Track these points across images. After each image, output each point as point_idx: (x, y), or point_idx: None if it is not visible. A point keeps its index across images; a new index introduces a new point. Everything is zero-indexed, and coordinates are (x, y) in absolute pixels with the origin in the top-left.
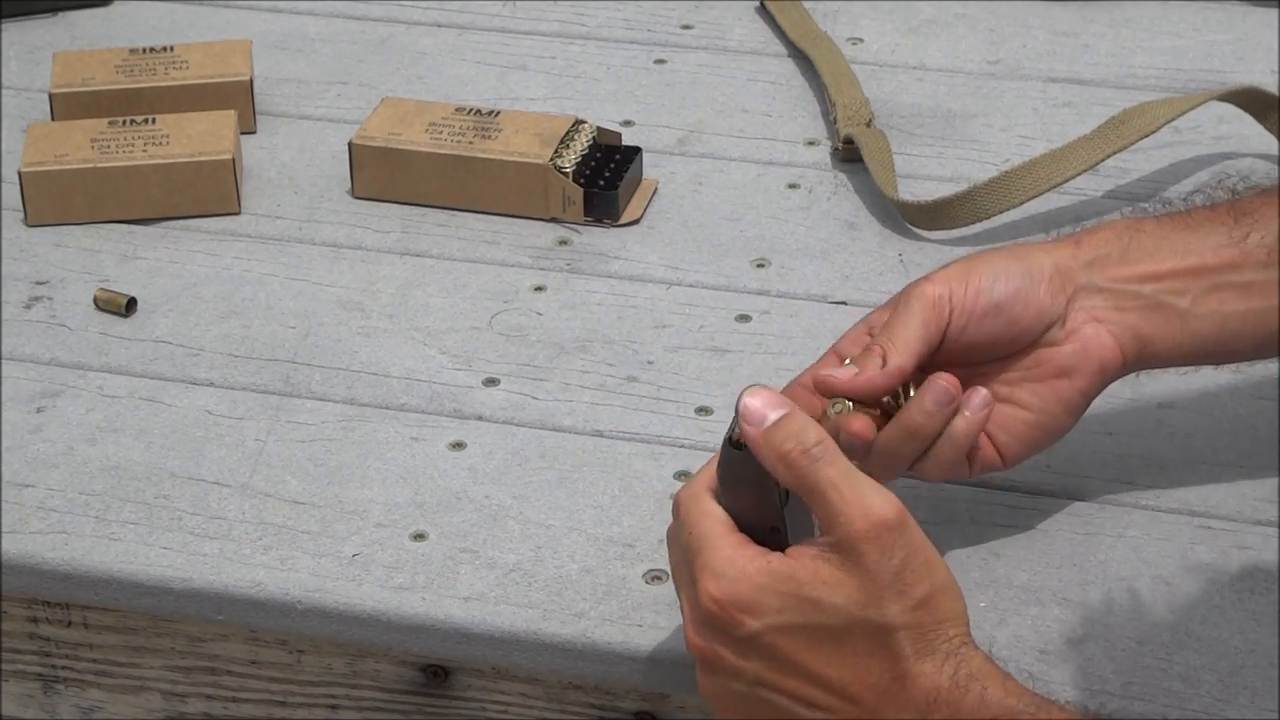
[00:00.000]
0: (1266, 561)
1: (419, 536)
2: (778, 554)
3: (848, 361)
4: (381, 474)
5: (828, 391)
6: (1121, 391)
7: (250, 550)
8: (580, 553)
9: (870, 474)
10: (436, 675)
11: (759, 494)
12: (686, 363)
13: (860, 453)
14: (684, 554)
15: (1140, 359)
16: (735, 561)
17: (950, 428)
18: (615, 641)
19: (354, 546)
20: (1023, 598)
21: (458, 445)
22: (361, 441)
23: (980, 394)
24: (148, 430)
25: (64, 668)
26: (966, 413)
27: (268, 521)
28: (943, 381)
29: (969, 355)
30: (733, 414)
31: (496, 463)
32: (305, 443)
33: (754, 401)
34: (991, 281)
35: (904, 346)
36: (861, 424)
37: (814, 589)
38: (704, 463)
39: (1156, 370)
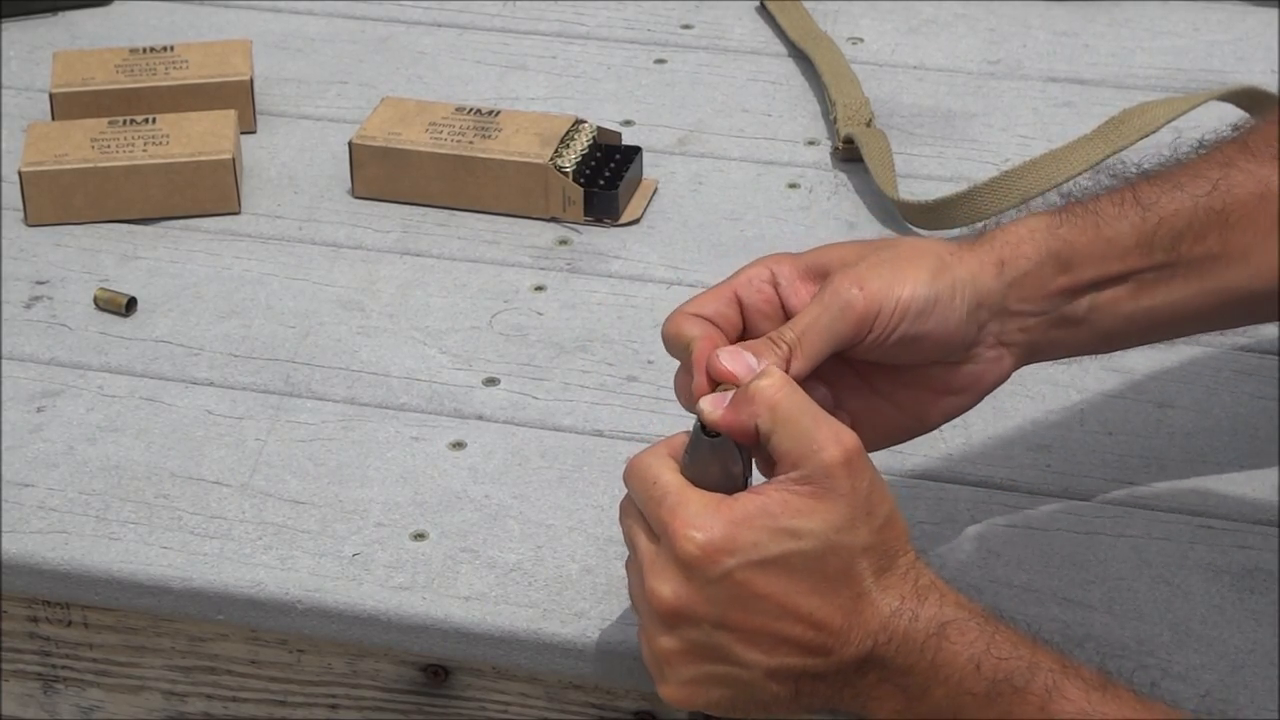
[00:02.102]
0: (1266, 561)
1: (419, 536)
2: (744, 493)
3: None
4: (381, 474)
5: (720, 378)
6: (1122, 391)
7: (250, 550)
8: (580, 552)
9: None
10: (436, 675)
11: (724, 482)
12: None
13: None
14: (645, 509)
15: (1030, 361)
16: (708, 505)
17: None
18: (615, 641)
19: (354, 546)
20: (1023, 598)
21: (458, 445)
22: (361, 441)
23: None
24: (148, 430)
25: (64, 667)
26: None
27: (268, 521)
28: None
29: (868, 356)
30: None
31: (496, 462)
32: (305, 442)
33: (713, 396)
34: (919, 311)
35: (811, 353)
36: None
37: (789, 518)
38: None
39: (1156, 371)
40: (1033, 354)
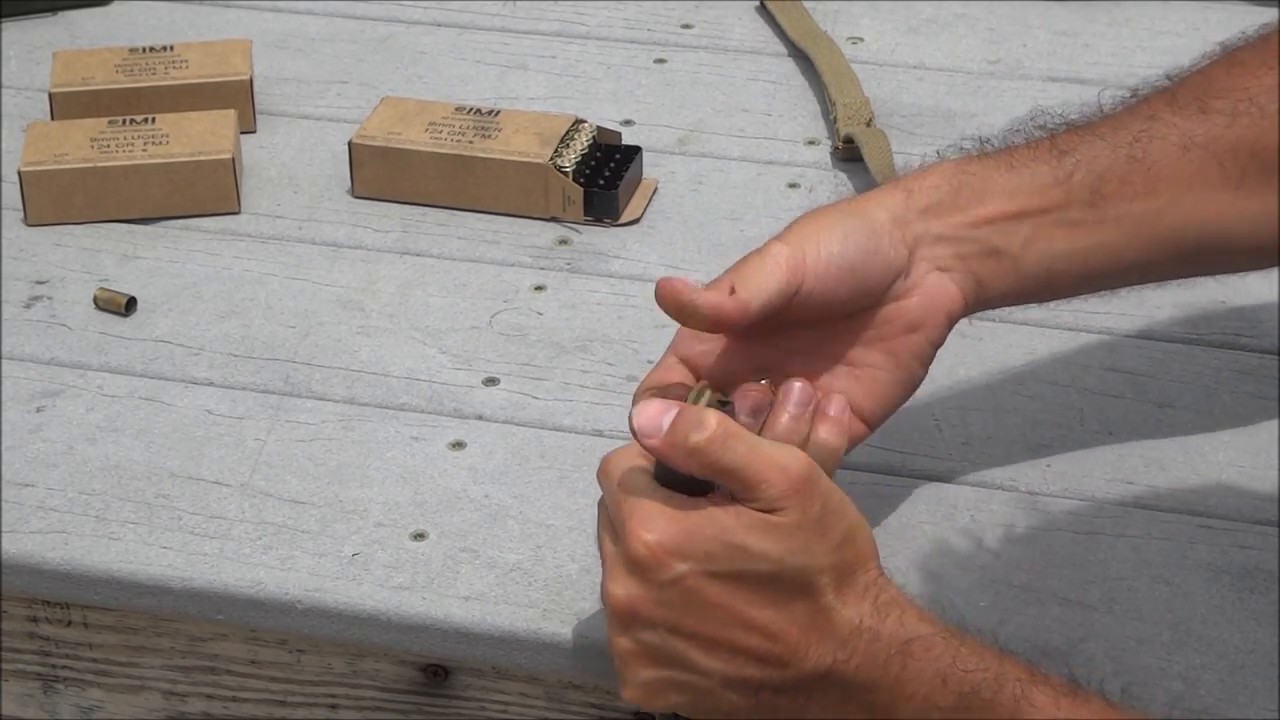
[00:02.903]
0: (1266, 561)
1: (419, 536)
2: (704, 500)
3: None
4: (381, 473)
5: (675, 302)
6: (1122, 391)
7: (250, 550)
8: (580, 552)
9: None
10: (436, 675)
11: (697, 483)
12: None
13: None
14: (609, 512)
15: (978, 302)
16: (664, 509)
17: (820, 437)
18: None
19: (354, 546)
20: (1023, 598)
21: (458, 445)
22: (361, 441)
23: (837, 400)
24: (148, 430)
25: (64, 667)
26: (831, 413)
27: (268, 521)
28: (797, 385)
29: (820, 315)
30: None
31: (496, 462)
32: (305, 442)
33: (643, 418)
34: (842, 243)
35: (755, 287)
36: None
37: (742, 536)
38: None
39: (1156, 371)
40: (980, 288)
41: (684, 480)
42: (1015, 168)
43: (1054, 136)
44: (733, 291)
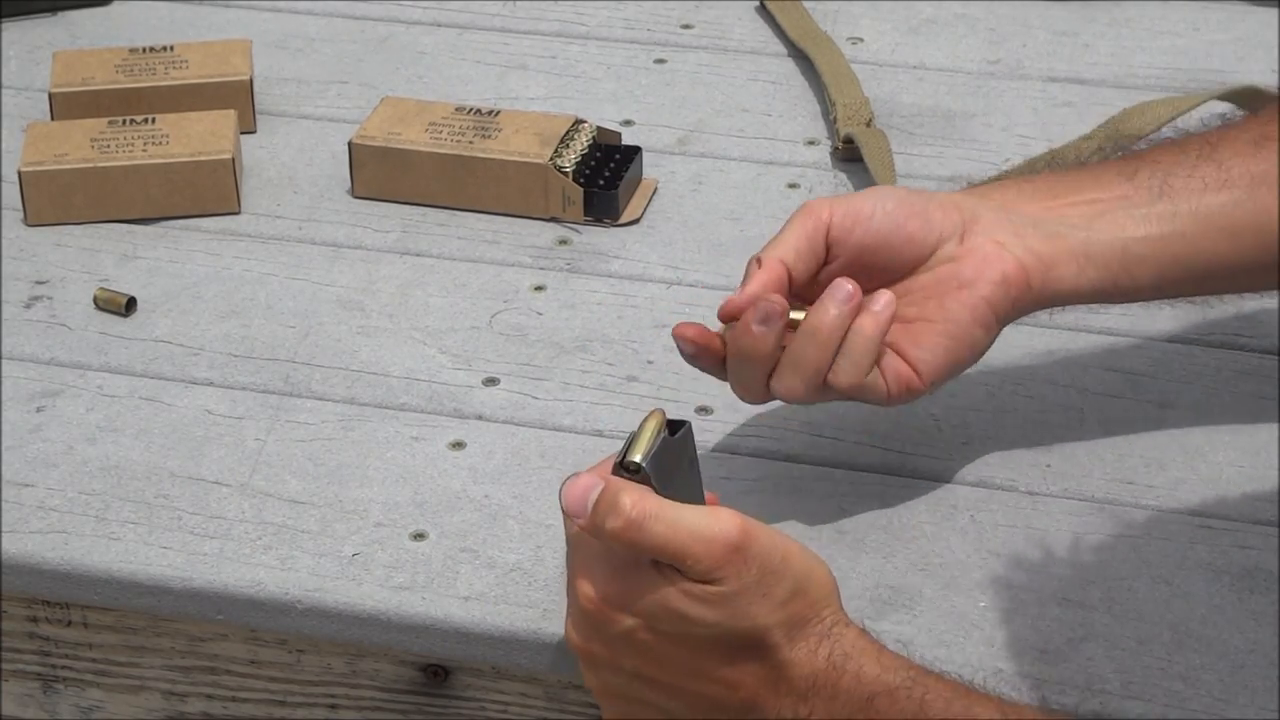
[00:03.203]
0: (1266, 561)
1: (419, 536)
2: (648, 563)
3: None
4: (381, 474)
5: (724, 315)
6: (1122, 391)
7: (250, 550)
8: None
9: (787, 387)
10: (436, 675)
11: (689, 479)
12: (686, 363)
13: (703, 360)
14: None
15: (1045, 284)
16: (607, 560)
17: (857, 324)
18: None
19: (354, 546)
20: (1023, 598)
21: (458, 445)
22: (361, 441)
23: (883, 294)
24: (148, 430)
25: (64, 667)
26: (873, 309)
27: (268, 521)
28: (845, 282)
29: (866, 273)
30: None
31: (496, 462)
32: (305, 442)
33: (570, 497)
34: (877, 195)
35: (781, 246)
36: (693, 330)
37: (682, 603)
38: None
39: (1156, 371)
40: (1043, 264)
41: (681, 490)
42: (1084, 171)
43: (1128, 151)
44: (759, 264)
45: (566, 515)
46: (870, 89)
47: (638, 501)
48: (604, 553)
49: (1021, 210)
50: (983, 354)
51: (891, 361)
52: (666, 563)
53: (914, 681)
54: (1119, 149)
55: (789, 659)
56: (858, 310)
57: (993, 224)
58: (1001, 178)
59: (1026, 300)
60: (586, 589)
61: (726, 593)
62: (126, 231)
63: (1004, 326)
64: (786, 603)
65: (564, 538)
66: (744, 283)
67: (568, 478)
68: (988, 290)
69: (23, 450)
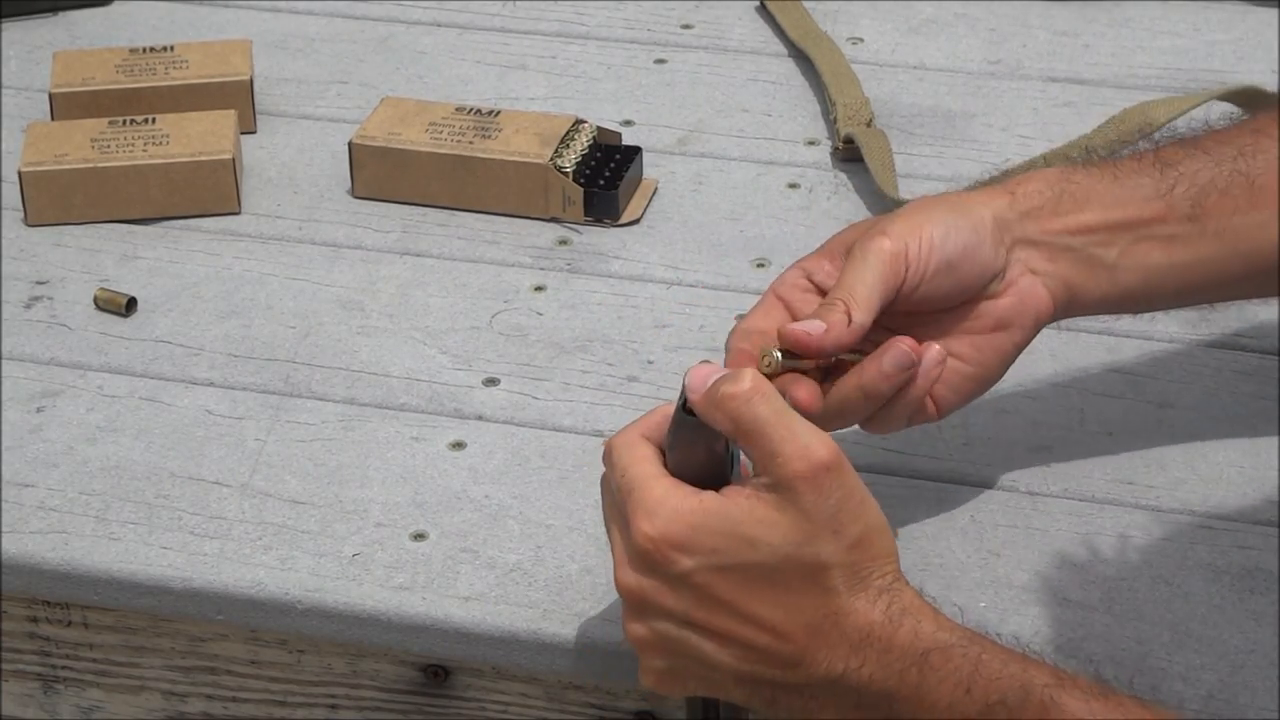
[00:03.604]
0: (1266, 561)
1: (419, 536)
2: (711, 493)
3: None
4: (381, 474)
5: (794, 346)
6: (1122, 391)
7: (250, 550)
8: (580, 553)
9: (828, 430)
10: (436, 675)
11: (708, 460)
12: (686, 363)
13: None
14: (615, 496)
15: (1068, 308)
16: (668, 500)
17: (906, 390)
18: (615, 641)
19: (354, 546)
20: (1023, 598)
21: (458, 445)
22: (361, 441)
23: (934, 351)
24: (148, 430)
25: (64, 667)
26: (927, 371)
27: (268, 521)
28: (904, 346)
29: (915, 308)
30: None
31: (496, 463)
32: (305, 442)
33: (695, 376)
34: (943, 238)
35: (866, 303)
36: (807, 392)
37: (749, 527)
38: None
39: (1156, 371)
40: (1070, 293)
41: (698, 460)
42: (1119, 179)
43: (1159, 149)
44: (850, 320)
45: (688, 390)
46: (870, 89)
47: (758, 378)
48: (668, 490)
49: (1055, 228)
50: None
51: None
52: (756, 453)
53: (970, 641)
54: (1145, 137)
55: (846, 606)
56: (913, 373)
57: (1031, 252)
58: (1037, 172)
59: (1048, 324)
60: (646, 528)
61: (799, 512)
62: (126, 231)
63: None
64: (853, 547)
65: (560, 538)
66: (829, 323)
67: (696, 364)
68: (1020, 335)
69: (23, 450)
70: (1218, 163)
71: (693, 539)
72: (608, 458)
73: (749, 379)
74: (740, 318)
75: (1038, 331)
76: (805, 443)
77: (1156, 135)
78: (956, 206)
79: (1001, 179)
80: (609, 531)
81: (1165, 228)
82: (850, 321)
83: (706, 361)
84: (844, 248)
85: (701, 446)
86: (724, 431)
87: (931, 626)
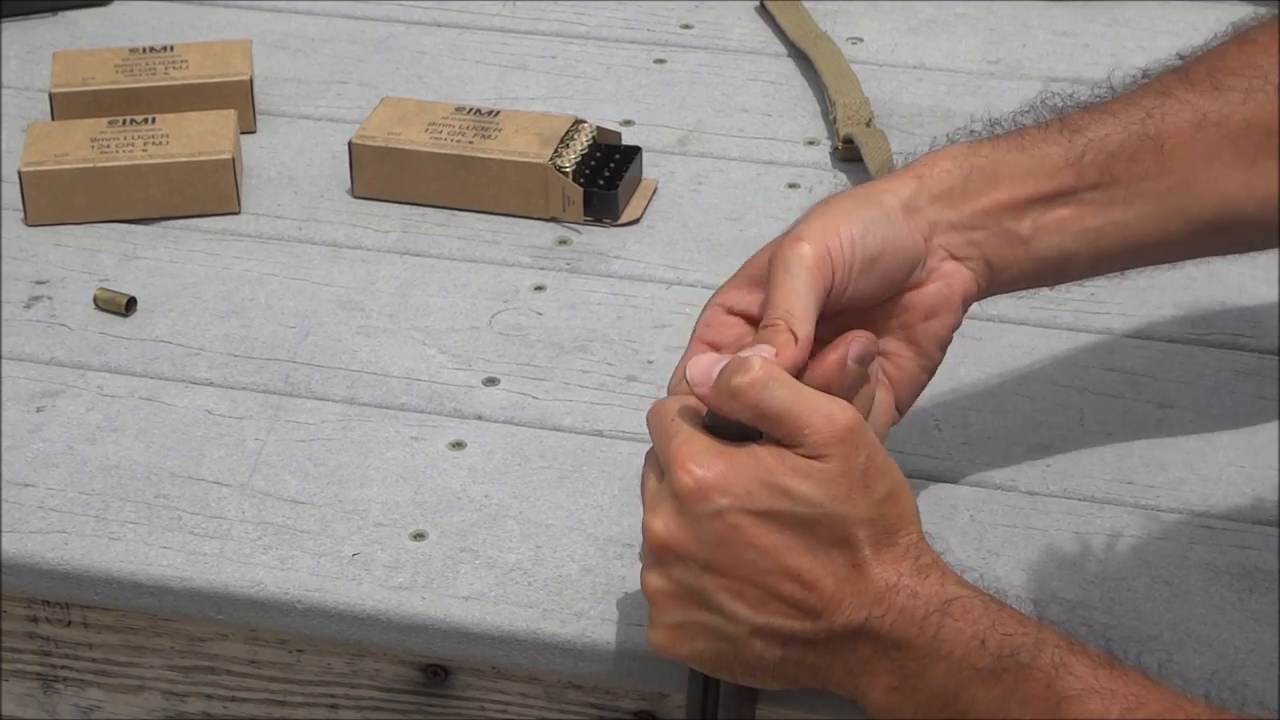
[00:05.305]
0: (1266, 561)
1: (419, 536)
2: (751, 444)
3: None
4: (381, 473)
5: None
6: (1122, 391)
7: (250, 550)
8: (580, 552)
9: None
10: (436, 675)
11: (743, 438)
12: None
13: None
14: (658, 449)
15: (990, 287)
16: (711, 445)
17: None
18: (615, 641)
19: (354, 546)
20: (1023, 598)
21: (457, 445)
22: (361, 441)
23: (861, 342)
24: (148, 430)
25: (64, 667)
26: (866, 366)
27: (268, 521)
28: (865, 336)
29: (846, 307)
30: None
31: (496, 462)
32: (305, 442)
33: (696, 369)
34: (862, 234)
35: (804, 314)
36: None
37: (785, 477)
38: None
39: (1156, 370)
40: (992, 273)
41: (732, 431)
42: (1026, 149)
43: (1064, 116)
44: (796, 339)
45: (691, 386)
46: (870, 89)
47: (767, 365)
48: (717, 444)
49: (969, 209)
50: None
51: (883, 396)
52: (781, 433)
53: (990, 599)
54: (1045, 104)
55: (872, 559)
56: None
57: (949, 236)
58: (942, 150)
59: (972, 303)
60: (691, 465)
61: (833, 471)
62: (126, 231)
63: None
64: (882, 503)
65: (560, 538)
66: (779, 347)
67: (693, 358)
68: (951, 318)
69: (23, 450)
70: (1125, 125)
71: (732, 480)
72: (651, 415)
73: (758, 365)
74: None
75: (965, 311)
76: (828, 411)
77: (1060, 102)
78: (865, 199)
79: (910, 164)
80: (643, 483)
81: (1077, 195)
82: (796, 340)
83: (700, 355)
84: (757, 271)
85: (735, 427)
86: (747, 421)
87: (955, 581)
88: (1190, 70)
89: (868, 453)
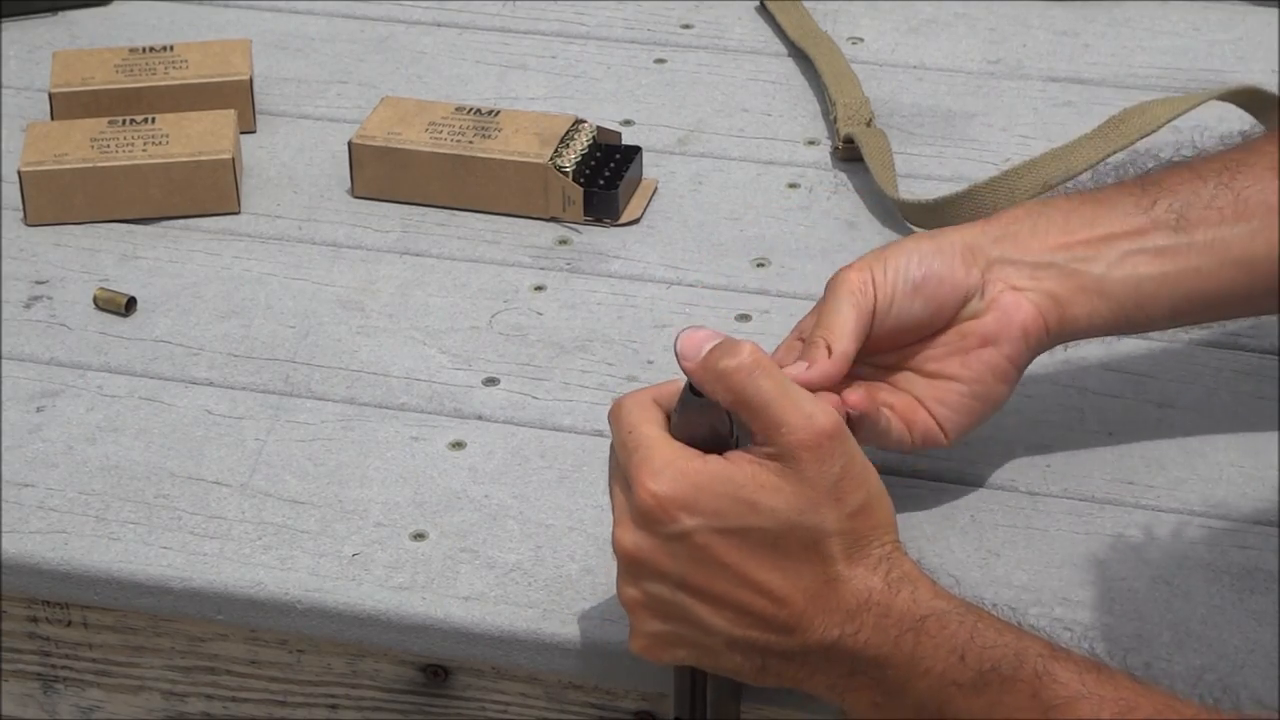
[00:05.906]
0: (1266, 561)
1: (419, 536)
2: (716, 456)
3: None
4: (381, 473)
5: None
6: (1122, 391)
7: (250, 550)
8: (580, 552)
9: None
10: (436, 675)
11: (714, 440)
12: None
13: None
14: (620, 454)
15: (1062, 325)
16: (675, 461)
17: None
18: (615, 641)
19: (354, 546)
20: (1023, 598)
21: (458, 445)
22: (361, 441)
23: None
24: (148, 430)
25: (64, 667)
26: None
27: (268, 521)
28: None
29: (897, 337)
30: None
31: (496, 462)
32: (305, 442)
33: (687, 342)
34: (907, 262)
35: (842, 333)
36: (857, 396)
37: (752, 492)
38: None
39: (1156, 370)
40: (1059, 308)
41: (701, 437)
42: (1100, 201)
43: (1145, 174)
44: (830, 352)
45: (679, 357)
46: (870, 89)
47: (756, 351)
48: (674, 452)
49: (1035, 247)
50: (1004, 404)
51: (920, 418)
52: (758, 426)
53: (966, 610)
54: (1133, 164)
55: (845, 573)
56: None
57: (1010, 270)
58: (1017, 205)
59: (1045, 343)
60: (652, 485)
61: (803, 479)
62: (126, 231)
63: (1023, 373)
64: (855, 515)
65: (560, 538)
66: (812, 360)
67: (685, 329)
68: (1009, 349)
69: (23, 450)
70: (1202, 176)
71: (696, 499)
72: (615, 415)
73: (747, 351)
74: None
75: (1033, 349)
76: (808, 412)
77: (1145, 164)
78: (927, 237)
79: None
80: (610, 490)
81: (1149, 240)
82: (831, 353)
83: (695, 326)
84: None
85: (704, 427)
86: (725, 404)
87: (929, 594)
88: (1260, 144)
89: (843, 462)
